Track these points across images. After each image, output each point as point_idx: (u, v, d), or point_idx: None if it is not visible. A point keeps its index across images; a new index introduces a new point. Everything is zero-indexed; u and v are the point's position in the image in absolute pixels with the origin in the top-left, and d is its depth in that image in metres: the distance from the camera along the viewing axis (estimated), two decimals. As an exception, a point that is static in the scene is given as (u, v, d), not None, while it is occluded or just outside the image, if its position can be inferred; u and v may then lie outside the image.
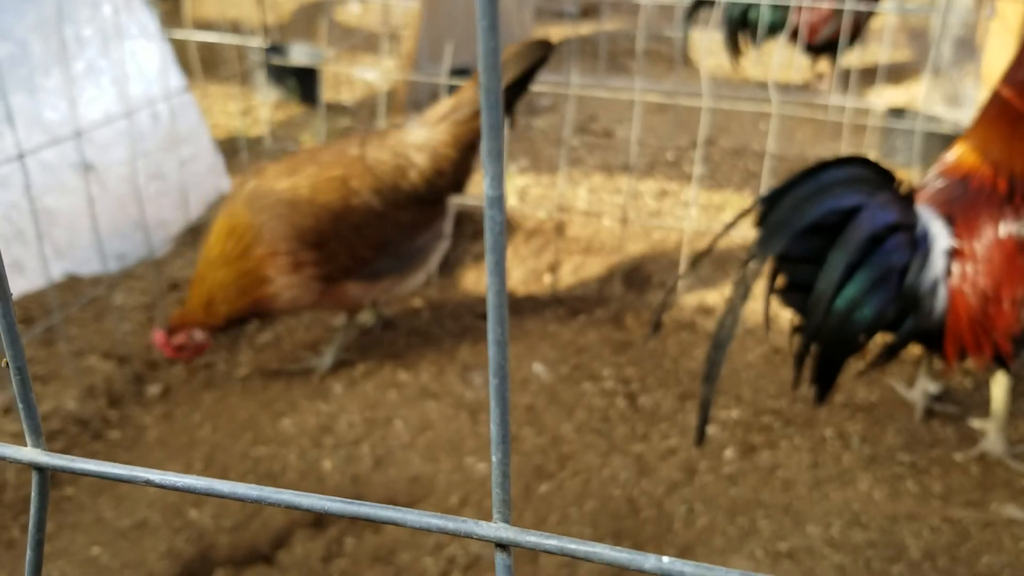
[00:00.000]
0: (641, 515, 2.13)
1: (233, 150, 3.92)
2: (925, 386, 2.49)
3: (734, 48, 4.96)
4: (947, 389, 2.59)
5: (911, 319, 2.03)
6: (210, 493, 0.57)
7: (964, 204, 2.11)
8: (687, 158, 3.90)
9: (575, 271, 3.18)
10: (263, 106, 4.58)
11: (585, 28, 6.43)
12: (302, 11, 6.63)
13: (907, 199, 2.05)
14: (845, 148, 3.75)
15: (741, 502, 2.15)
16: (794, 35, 4.91)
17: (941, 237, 2.06)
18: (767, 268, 1.98)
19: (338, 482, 2.17)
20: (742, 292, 1.89)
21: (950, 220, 2.09)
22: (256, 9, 6.54)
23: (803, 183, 1.94)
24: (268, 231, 2.22)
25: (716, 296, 2.99)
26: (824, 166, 1.98)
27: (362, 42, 5.71)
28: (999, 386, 2.27)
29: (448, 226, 2.56)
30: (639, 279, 3.12)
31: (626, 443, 2.35)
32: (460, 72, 4.47)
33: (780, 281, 2.04)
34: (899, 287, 1.98)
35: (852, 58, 5.86)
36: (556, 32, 6.29)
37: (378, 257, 2.36)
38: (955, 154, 2.22)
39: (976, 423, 2.41)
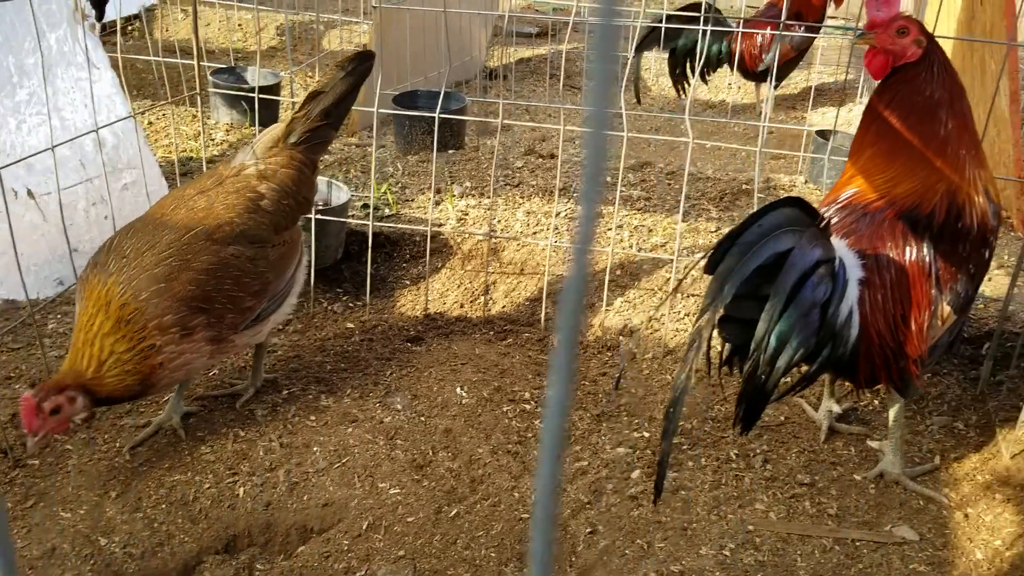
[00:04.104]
0: (546, 537, 2.19)
1: (187, 172, 3.98)
2: (829, 406, 2.57)
3: (680, 78, 5.06)
4: (854, 408, 2.67)
5: (828, 349, 2.08)
6: None
7: (869, 234, 2.18)
8: (626, 180, 3.98)
9: (508, 293, 3.25)
10: (217, 128, 4.64)
11: (542, 48, 6.52)
12: (275, 34, 6.69)
13: (825, 233, 2.10)
14: (774, 172, 3.84)
15: (642, 523, 2.22)
16: (739, 62, 5.02)
17: (854, 268, 2.13)
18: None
19: (250, 508, 2.23)
20: (699, 345, 1.89)
21: (859, 250, 2.16)
22: (224, 31, 6.61)
23: (747, 230, 1.94)
24: (152, 308, 2.14)
25: (640, 317, 3.06)
26: (764, 211, 1.98)
27: (320, 62, 5.77)
28: (894, 406, 2.35)
29: (303, 244, 2.61)
30: (569, 301, 3.19)
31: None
32: (409, 95, 4.55)
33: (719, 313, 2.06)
34: (822, 320, 2.03)
35: (797, 81, 5.98)
36: (514, 53, 6.38)
37: (261, 303, 2.39)
38: (847, 180, 2.30)
39: (874, 443, 2.50)
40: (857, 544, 2.18)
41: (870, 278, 2.12)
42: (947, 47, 4.22)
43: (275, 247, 2.44)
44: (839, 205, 2.28)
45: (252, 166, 2.48)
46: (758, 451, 2.48)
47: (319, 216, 2.99)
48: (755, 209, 2.00)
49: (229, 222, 2.34)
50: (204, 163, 3.27)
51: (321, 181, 3.32)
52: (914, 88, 2.18)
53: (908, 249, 2.14)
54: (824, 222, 2.12)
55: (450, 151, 4.26)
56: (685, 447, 2.50)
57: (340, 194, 3.23)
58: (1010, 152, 3.49)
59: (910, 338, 2.14)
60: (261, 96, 3.12)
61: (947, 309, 2.16)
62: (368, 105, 4.56)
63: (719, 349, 2.09)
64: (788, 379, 2.13)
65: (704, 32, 4.80)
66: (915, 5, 5.01)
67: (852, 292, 2.09)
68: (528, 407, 2.63)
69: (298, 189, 2.50)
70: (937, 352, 2.25)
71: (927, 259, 2.14)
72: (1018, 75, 3.48)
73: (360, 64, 2.52)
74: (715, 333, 1.96)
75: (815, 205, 2.21)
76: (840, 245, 2.12)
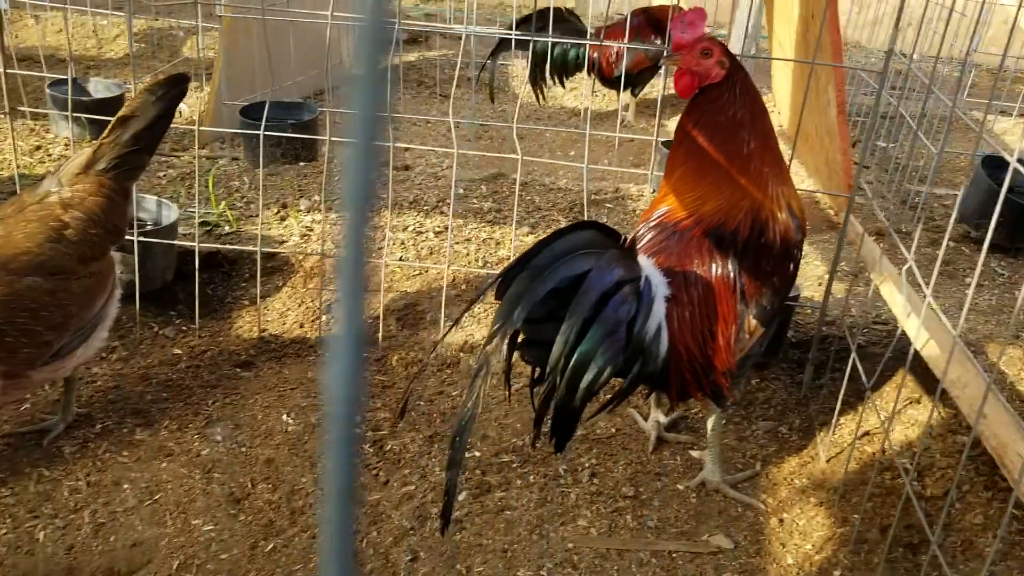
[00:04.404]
0: (366, 567, 2.15)
1: (17, 190, 3.76)
2: (656, 417, 2.61)
3: (539, 83, 5.09)
4: (684, 417, 2.72)
5: (638, 365, 2.11)
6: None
7: (678, 252, 2.22)
8: (478, 192, 3.97)
9: (351, 312, 3.19)
10: (56, 143, 4.41)
11: (412, 55, 6.47)
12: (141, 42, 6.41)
13: (630, 253, 2.12)
14: (627, 181, 3.91)
15: (464, 547, 2.20)
16: (596, 69, 5.08)
17: (660, 286, 2.15)
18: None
19: (50, 553, 2.10)
20: (485, 373, 1.86)
21: (667, 268, 2.19)
22: (77, 38, 6.29)
23: (538, 255, 1.93)
24: None
25: (483, 332, 3.05)
26: (556, 235, 1.97)
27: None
28: (712, 416, 2.40)
29: (116, 275, 2.50)
30: (412, 317, 3.15)
31: (365, 492, 2.37)
32: (259, 106, 4.42)
33: (519, 337, 2.05)
34: (628, 337, 2.05)
35: (660, 90, 6.11)
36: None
37: (62, 337, 2.28)
38: (661, 198, 2.34)
39: (696, 452, 2.55)
40: (674, 556, 2.22)
41: (677, 295, 2.15)
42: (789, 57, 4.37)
43: (80, 279, 2.32)
44: (652, 223, 2.31)
45: (56, 193, 2.36)
46: (586, 465, 2.50)
47: (142, 238, 2.85)
48: (584, 221, 2.01)
49: (27, 252, 2.21)
50: (18, 184, 3.09)
51: (151, 200, 3.19)
52: (718, 108, 2.23)
53: (714, 266, 2.19)
54: (628, 242, 2.15)
55: (301, 163, 4.17)
56: (515, 465, 2.49)
57: (169, 213, 3.10)
58: (839, 160, 3.63)
59: (718, 352, 2.19)
60: (77, 115, 2.96)
61: (754, 322, 2.22)
62: (216, 118, 4.43)
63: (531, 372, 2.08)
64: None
65: (558, 37, 4.85)
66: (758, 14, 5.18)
67: (659, 309, 2.11)
68: (358, 431, 2.57)
69: (107, 218, 2.38)
70: (748, 364, 2.31)
71: (732, 275, 2.18)
72: (844, 85, 3.63)
73: (171, 88, 2.43)
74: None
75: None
76: (647, 264, 2.15)
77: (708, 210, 2.24)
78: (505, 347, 1.96)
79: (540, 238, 1.87)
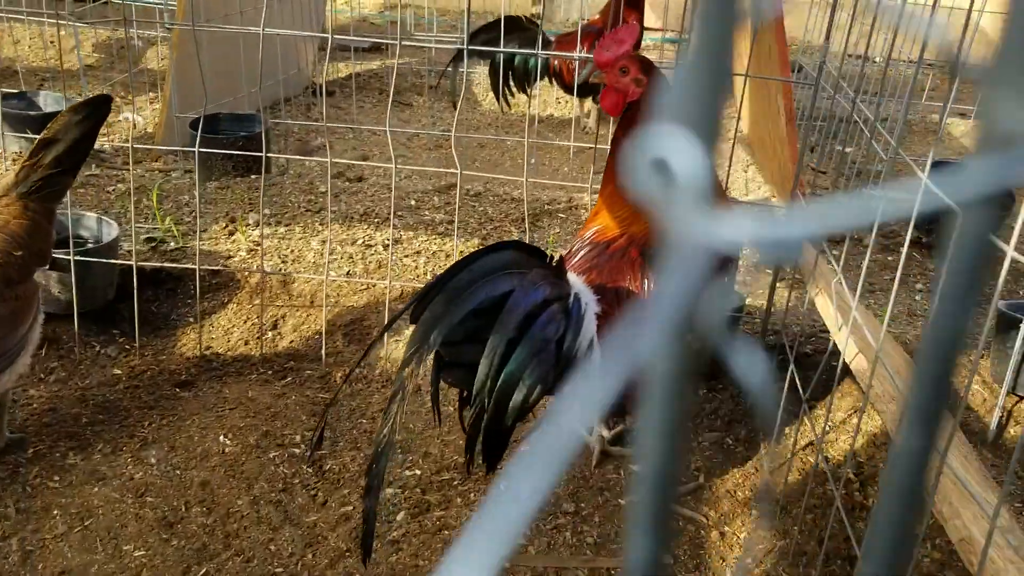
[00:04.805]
0: (300, 591, 2.12)
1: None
2: (599, 430, 2.60)
3: (501, 91, 5.07)
4: (629, 430, 2.71)
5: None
6: None
7: (609, 269, 2.21)
8: (430, 204, 3.95)
9: (297, 327, 3.16)
10: (4, 158, 4.34)
11: (374, 63, 6.43)
12: (91, 51, 6.33)
13: (559, 271, 2.11)
14: (580, 191, 3.90)
15: (400, 569, 2.17)
16: (557, 77, 5.08)
17: (591, 304, 2.14)
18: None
19: (-27, 585, 2.06)
20: (402, 398, 1.83)
21: (598, 285, 2.18)
22: (34, 49, 6.22)
23: (455, 276, 1.90)
24: None
25: (431, 348, 3.02)
26: (474, 256, 1.95)
27: (131, 81, 5.50)
28: (652, 433, 2.39)
29: (39, 300, 2.46)
30: (359, 333, 3.12)
31: (302, 513, 2.34)
32: (210, 118, 4.37)
33: (443, 360, 2.02)
34: (558, 355, 2.03)
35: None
36: (344, 68, 6.26)
37: None
38: (594, 215, 2.33)
39: (635, 466, 2.54)
40: (612, 572, 2.20)
41: (609, 311, 2.14)
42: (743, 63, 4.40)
43: (6, 302, 2.28)
44: (586, 240, 2.30)
45: None
46: (528, 482, 2.47)
47: (80, 257, 2.81)
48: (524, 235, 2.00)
49: None
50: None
51: (91, 217, 3.15)
52: (640, 125, 2.22)
53: (646, 281, 2.18)
54: (559, 260, 2.14)
55: (253, 176, 4.12)
56: (456, 483, 2.47)
57: (110, 230, 3.06)
58: (790, 168, 3.64)
59: (653, 367, 2.18)
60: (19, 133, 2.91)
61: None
62: (168, 131, 4.38)
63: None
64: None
65: (519, 46, 4.84)
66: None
67: (590, 326, 2.10)
68: (297, 451, 2.54)
69: (31, 240, 2.35)
70: (685, 377, 2.30)
71: (665, 289, 2.17)
72: (791, 94, 3.64)
73: (95, 110, 2.41)
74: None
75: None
76: (577, 282, 2.14)
77: (637, 229, 2.23)
78: (430, 370, 1.95)
79: (458, 260, 1.85)
